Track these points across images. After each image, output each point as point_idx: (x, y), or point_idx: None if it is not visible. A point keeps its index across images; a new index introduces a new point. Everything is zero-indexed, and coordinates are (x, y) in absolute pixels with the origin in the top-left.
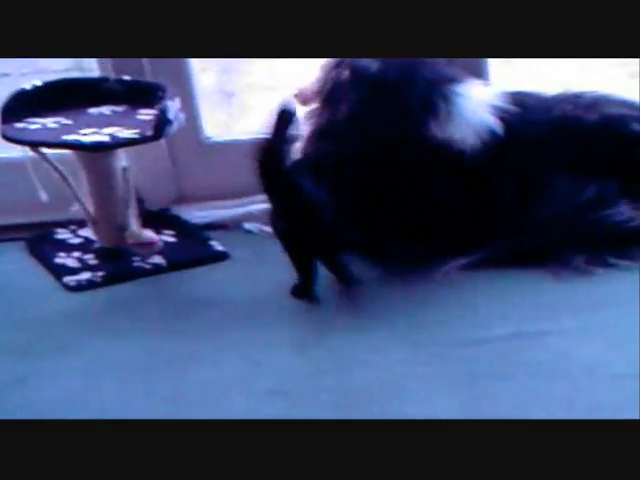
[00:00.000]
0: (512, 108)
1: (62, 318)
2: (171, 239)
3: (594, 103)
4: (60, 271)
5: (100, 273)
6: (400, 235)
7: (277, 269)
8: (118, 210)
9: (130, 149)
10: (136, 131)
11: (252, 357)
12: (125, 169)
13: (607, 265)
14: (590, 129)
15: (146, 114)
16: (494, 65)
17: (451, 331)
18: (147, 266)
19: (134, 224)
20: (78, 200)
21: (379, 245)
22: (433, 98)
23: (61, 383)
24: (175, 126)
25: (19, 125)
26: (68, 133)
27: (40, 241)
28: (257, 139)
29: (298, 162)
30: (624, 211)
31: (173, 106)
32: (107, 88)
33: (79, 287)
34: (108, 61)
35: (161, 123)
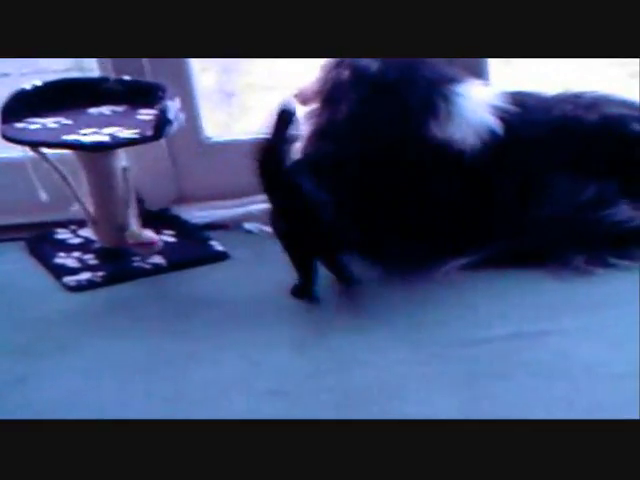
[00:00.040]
0: (512, 108)
1: (62, 318)
2: (171, 239)
3: (594, 103)
4: (60, 271)
5: (100, 273)
6: (400, 235)
7: (277, 269)
8: (118, 210)
9: (130, 149)
10: (136, 131)
11: (252, 357)
12: (125, 169)
13: (607, 265)
14: (590, 129)
15: (146, 114)
16: (494, 65)
17: (451, 331)
18: (147, 266)
19: (134, 224)
20: (78, 200)
21: (379, 245)
22: (433, 98)
23: (61, 383)
24: (175, 126)
25: (19, 125)
26: (68, 133)
27: (40, 241)
28: (257, 139)
29: (298, 162)
30: (624, 211)
31: (173, 106)
32: (107, 88)
33: (79, 287)
34: (108, 61)
35: (161, 123)
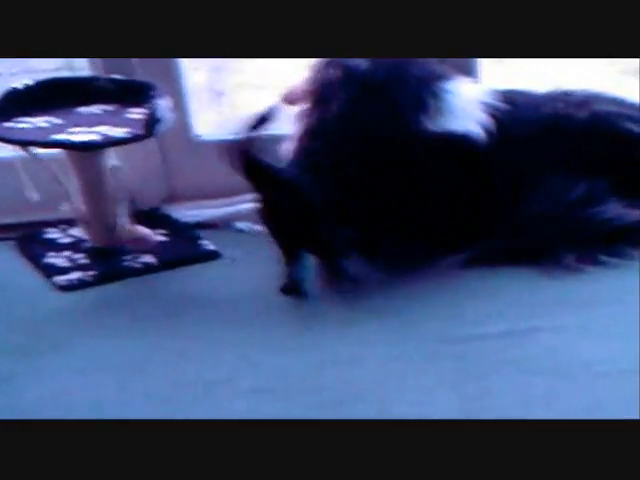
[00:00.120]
0: (502, 106)
1: (53, 317)
2: (162, 238)
3: (584, 101)
4: (50, 271)
5: (91, 272)
6: (393, 233)
7: (268, 267)
8: (109, 209)
9: (120, 148)
10: (127, 130)
11: (244, 355)
12: (115, 168)
13: (597, 262)
14: (580, 127)
15: (137, 113)
16: (486, 64)
17: (443, 328)
18: (138, 265)
19: (126, 222)
20: (69, 199)
21: (374, 243)
22: (423, 95)
23: (52, 382)
24: (165, 125)
25: (9, 124)
26: (58, 132)
27: (30, 241)
28: (228, 140)
29: (294, 162)
30: (614, 208)
31: (163, 105)
32: (98, 87)
33: (70, 286)
34: (98, 60)
35: (151, 122)
